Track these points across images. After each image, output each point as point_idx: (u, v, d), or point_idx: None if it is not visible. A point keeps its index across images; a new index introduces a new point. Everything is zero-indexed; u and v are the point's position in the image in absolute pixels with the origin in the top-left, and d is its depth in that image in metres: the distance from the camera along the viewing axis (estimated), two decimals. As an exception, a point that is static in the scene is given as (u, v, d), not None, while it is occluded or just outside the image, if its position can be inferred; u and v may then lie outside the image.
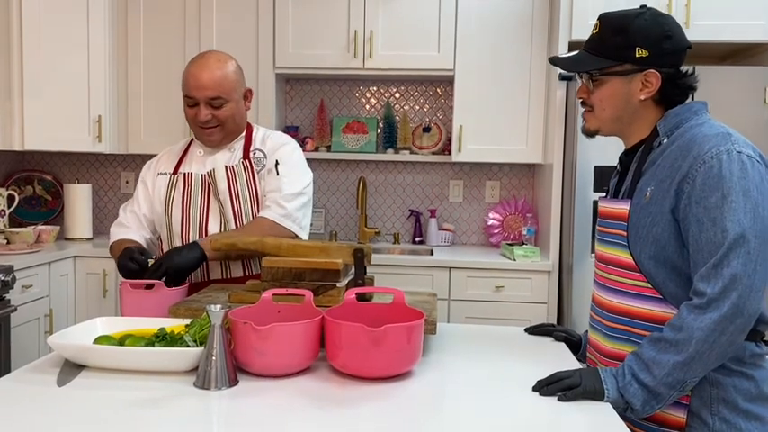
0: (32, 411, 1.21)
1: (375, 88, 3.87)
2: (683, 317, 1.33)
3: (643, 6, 1.50)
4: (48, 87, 3.38)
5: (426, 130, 3.75)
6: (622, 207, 1.48)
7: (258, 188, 2.09)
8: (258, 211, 2.08)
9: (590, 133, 1.57)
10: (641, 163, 1.48)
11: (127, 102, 3.61)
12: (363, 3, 3.44)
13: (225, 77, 2.02)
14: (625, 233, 1.46)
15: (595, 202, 3.00)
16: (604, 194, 1.65)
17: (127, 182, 3.99)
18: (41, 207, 3.93)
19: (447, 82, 3.74)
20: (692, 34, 2.96)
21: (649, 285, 1.42)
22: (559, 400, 1.32)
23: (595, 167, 2.98)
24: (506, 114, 3.43)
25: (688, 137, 1.41)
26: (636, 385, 1.34)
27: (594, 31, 1.52)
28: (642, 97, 1.47)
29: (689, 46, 1.49)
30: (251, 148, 2.13)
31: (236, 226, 2.06)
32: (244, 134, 2.17)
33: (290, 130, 3.76)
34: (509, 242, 3.54)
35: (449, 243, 3.77)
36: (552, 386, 1.34)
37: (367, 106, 3.88)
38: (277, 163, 2.10)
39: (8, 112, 3.33)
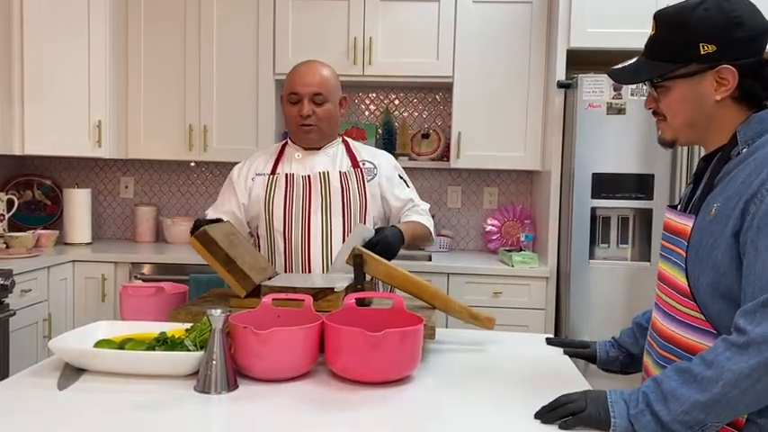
0: (33, 415, 1.22)
1: (374, 95, 3.89)
2: (717, 352, 1.15)
3: None
4: (48, 92, 3.39)
5: (425, 136, 3.76)
6: (686, 223, 1.30)
7: (368, 194, 2.22)
8: (365, 214, 2.23)
9: (666, 143, 1.38)
10: (714, 173, 1.29)
11: (127, 107, 3.62)
12: (363, 10, 3.46)
13: (327, 78, 2.16)
14: (684, 253, 1.28)
15: (593, 209, 3.01)
16: (677, 203, 1.45)
17: (126, 186, 3.99)
18: (41, 211, 3.93)
19: (446, 89, 3.75)
20: None
21: (702, 317, 1.25)
22: (560, 428, 1.20)
23: (593, 174, 2.99)
24: (505, 121, 3.44)
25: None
26: (648, 416, 1.17)
27: (652, 33, 1.32)
28: (719, 97, 1.26)
29: None
30: (358, 159, 2.26)
31: (343, 223, 2.17)
32: (339, 141, 2.28)
33: (289, 136, 3.76)
34: (507, 248, 3.55)
35: (447, 249, 3.78)
36: (555, 412, 1.23)
37: (366, 112, 3.90)
38: (401, 176, 2.35)
39: (8, 117, 3.33)
